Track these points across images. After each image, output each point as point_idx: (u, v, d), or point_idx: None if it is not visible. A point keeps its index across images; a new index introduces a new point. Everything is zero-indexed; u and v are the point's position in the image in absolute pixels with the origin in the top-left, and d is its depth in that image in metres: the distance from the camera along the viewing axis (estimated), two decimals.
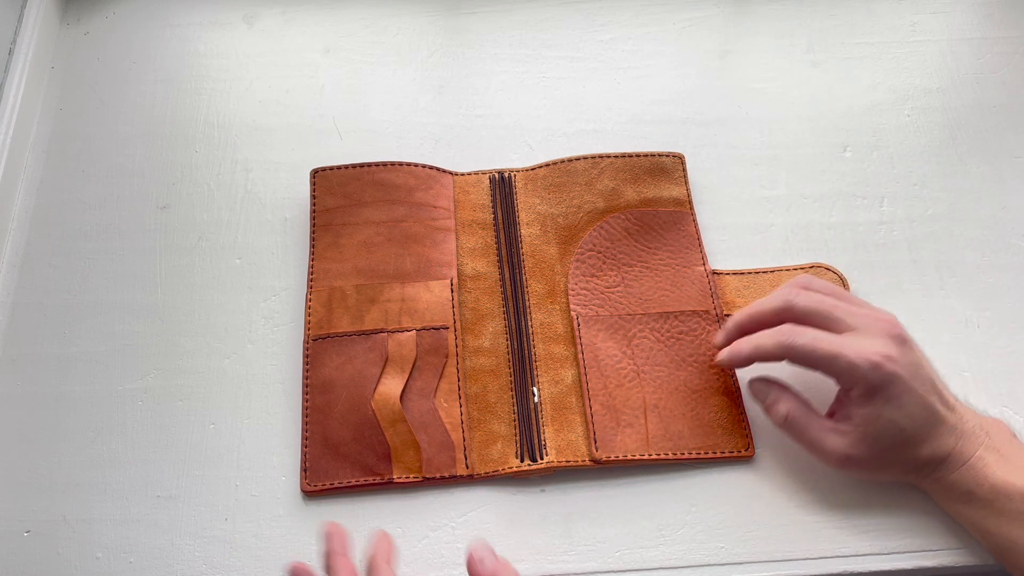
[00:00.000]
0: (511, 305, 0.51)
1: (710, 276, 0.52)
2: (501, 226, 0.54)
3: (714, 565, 0.44)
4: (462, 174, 0.56)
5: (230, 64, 0.63)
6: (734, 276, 0.52)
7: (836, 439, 0.43)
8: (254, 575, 0.45)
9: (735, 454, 0.46)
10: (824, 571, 0.44)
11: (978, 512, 0.42)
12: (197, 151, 0.59)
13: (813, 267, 0.53)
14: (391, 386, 0.47)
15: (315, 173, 0.55)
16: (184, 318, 0.52)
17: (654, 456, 0.46)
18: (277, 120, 0.60)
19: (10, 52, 0.60)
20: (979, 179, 0.57)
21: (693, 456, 0.46)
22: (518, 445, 0.47)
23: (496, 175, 0.56)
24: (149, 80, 0.62)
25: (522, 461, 0.46)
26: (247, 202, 0.57)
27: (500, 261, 0.53)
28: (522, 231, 0.54)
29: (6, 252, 0.55)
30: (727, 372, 0.49)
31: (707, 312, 0.50)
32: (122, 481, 0.47)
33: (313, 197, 0.54)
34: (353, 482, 0.46)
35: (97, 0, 0.66)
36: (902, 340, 0.42)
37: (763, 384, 0.46)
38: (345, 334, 0.49)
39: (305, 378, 0.49)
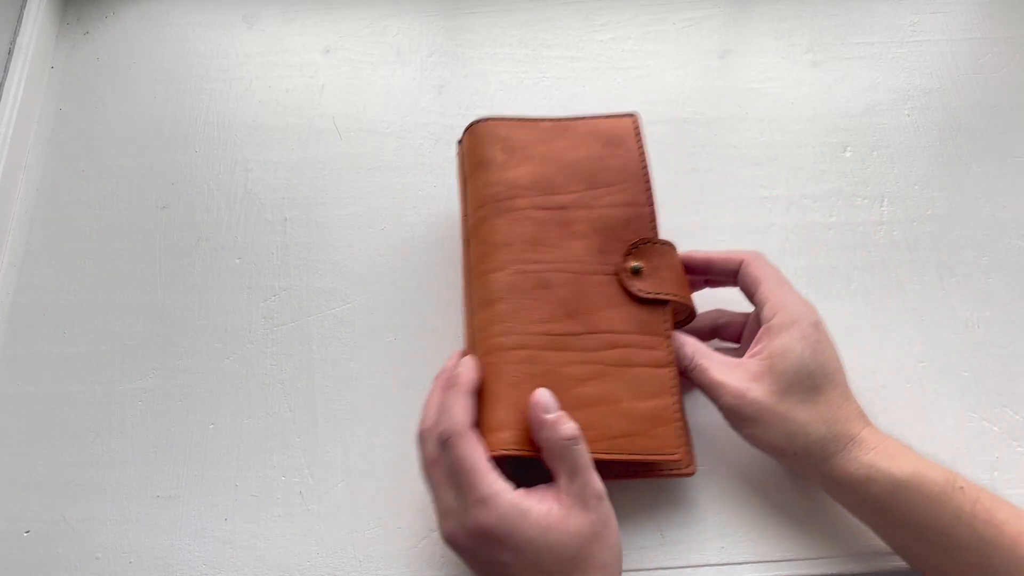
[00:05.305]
0: None
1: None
2: None
3: (714, 565, 0.44)
4: None
5: (230, 64, 0.63)
6: None
7: (737, 373, 0.41)
8: (254, 575, 0.45)
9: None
10: (824, 571, 0.44)
11: (900, 500, 0.38)
12: (197, 151, 0.59)
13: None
14: None
15: None
16: (184, 318, 0.52)
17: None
18: (277, 120, 0.60)
19: (10, 52, 0.60)
20: (979, 179, 0.57)
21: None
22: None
23: None
24: (149, 80, 0.62)
25: None
26: (247, 202, 0.57)
27: None
28: None
29: (6, 252, 0.55)
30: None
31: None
32: (122, 481, 0.47)
33: None
34: None
35: (97, 0, 0.66)
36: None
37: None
38: None
39: None
